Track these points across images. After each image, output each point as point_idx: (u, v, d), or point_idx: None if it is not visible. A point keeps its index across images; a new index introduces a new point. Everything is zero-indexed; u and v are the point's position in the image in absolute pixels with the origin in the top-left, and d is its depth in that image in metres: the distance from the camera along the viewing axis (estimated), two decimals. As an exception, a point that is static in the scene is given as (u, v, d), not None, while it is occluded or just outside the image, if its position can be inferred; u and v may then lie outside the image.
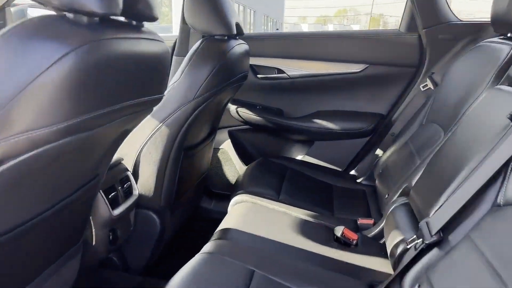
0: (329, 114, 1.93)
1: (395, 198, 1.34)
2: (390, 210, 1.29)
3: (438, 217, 0.96)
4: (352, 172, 1.93)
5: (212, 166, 2.06)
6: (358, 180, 1.82)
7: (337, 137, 1.93)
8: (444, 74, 1.60)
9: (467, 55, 1.54)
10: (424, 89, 1.76)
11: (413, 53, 1.81)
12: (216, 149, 2.06)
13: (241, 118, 1.98)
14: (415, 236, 0.98)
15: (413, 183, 1.27)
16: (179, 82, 1.37)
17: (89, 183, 1.02)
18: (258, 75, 1.99)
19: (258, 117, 1.96)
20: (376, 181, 1.67)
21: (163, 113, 1.37)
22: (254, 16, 19.55)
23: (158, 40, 0.88)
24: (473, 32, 1.70)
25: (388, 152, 1.70)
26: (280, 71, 1.96)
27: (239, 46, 1.52)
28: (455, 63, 1.57)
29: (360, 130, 1.89)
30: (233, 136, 2.06)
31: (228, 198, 1.95)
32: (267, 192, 1.48)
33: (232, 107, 1.99)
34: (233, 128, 2.06)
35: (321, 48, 1.91)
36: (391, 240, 1.13)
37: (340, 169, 1.97)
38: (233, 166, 2.05)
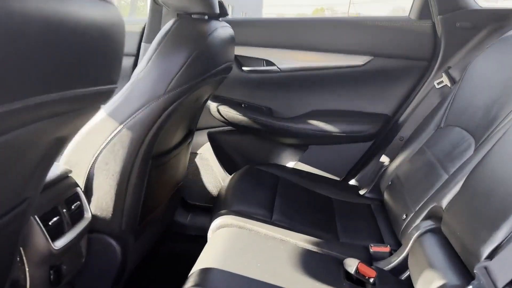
0: (327, 114, 1.66)
1: (418, 221, 1.07)
2: (415, 237, 1.03)
3: (503, 261, 0.69)
4: (352, 182, 1.66)
5: (189, 174, 1.76)
6: (361, 192, 1.55)
7: (335, 141, 1.66)
8: (465, 69, 1.35)
9: (494, 47, 1.30)
10: (440, 86, 1.50)
11: (426, 43, 1.55)
12: (194, 154, 1.75)
13: (223, 118, 1.68)
14: (471, 288, 0.71)
15: (444, 204, 1.00)
16: (145, 73, 1.06)
17: (14, 211, 0.71)
18: (244, 68, 1.69)
19: (243, 117, 1.66)
20: (385, 195, 1.40)
21: (124, 112, 1.06)
22: (232, 12, 19.21)
23: (105, 0, 0.57)
24: (497, 20, 1.46)
25: (398, 160, 1.44)
26: (269, 63, 1.67)
27: (222, 29, 1.22)
28: (479, 56, 1.31)
29: (362, 133, 1.62)
30: (213, 139, 1.76)
31: (207, 211, 1.66)
32: (258, 212, 1.19)
33: (212, 105, 1.69)
34: (214, 129, 1.76)
35: (318, 37, 1.63)
36: (425, 282, 0.85)
37: (338, 178, 1.69)
38: (214, 174, 1.75)
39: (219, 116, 1.69)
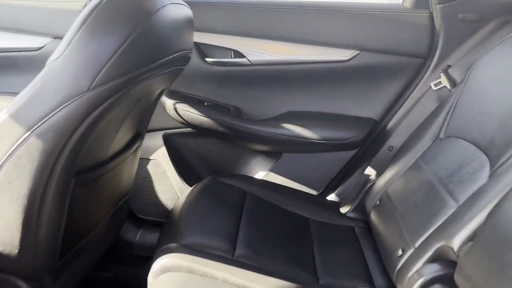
0: (304, 117, 1.41)
1: (421, 264, 0.84)
2: (418, 286, 0.79)
3: None
4: (331, 197, 1.43)
5: (139, 184, 1.48)
6: (342, 210, 1.32)
7: (313, 148, 1.41)
8: (469, 68, 1.13)
9: (506, 44, 1.08)
10: (437, 87, 1.28)
11: (421, 37, 1.32)
12: (145, 160, 1.47)
13: (182, 118, 1.41)
14: None
15: (456, 244, 0.77)
16: (62, 61, 0.78)
17: None
18: (207, 59, 1.41)
19: (205, 118, 1.39)
20: (372, 216, 1.17)
21: (32, 114, 0.78)
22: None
23: None
24: (508, 12, 1.24)
25: (387, 174, 1.21)
26: (238, 54, 1.40)
27: (174, 8, 0.94)
28: (488, 54, 1.09)
29: (345, 140, 1.38)
30: (169, 143, 1.48)
31: (161, 227, 1.40)
32: (217, 245, 0.93)
33: (168, 102, 1.41)
34: (170, 131, 1.48)
35: (297, 25, 1.37)
36: None
37: (314, 192, 1.45)
38: (169, 185, 1.47)
39: (177, 115, 1.41)
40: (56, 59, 0.78)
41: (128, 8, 0.81)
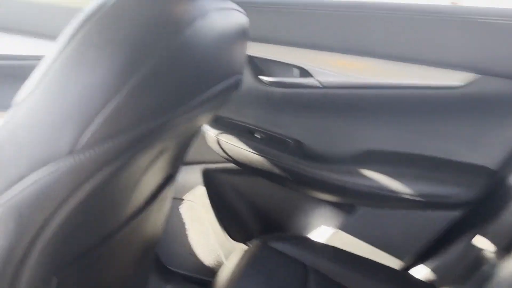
0: (390, 160, 1.04)
1: None
2: None
3: None
4: (422, 272, 1.05)
5: (169, 229, 1.18)
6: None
7: (401, 205, 1.04)
8: None
9: None
10: None
11: None
12: (178, 200, 1.17)
13: (226, 153, 1.09)
14: None
15: None
16: (31, 103, 0.47)
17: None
18: (262, 77, 1.08)
19: (256, 156, 1.06)
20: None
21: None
22: None
23: None
24: None
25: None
26: (304, 72, 1.05)
27: (222, 16, 0.60)
28: None
29: (448, 197, 1.00)
30: (209, 180, 1.17)
31: (196, 284, 1.11)
32: None
33: (210, 133, 1.09)
34: (211, 165, 1.17)
35: (388, 36, 1.00)
36: None
37: (398, 262, 1.08)
38: (207, 235, 1.16)
39: (220, 149, 1.09)
40: (22, 101, 0.47)
41: (143, 19, 0.48)
